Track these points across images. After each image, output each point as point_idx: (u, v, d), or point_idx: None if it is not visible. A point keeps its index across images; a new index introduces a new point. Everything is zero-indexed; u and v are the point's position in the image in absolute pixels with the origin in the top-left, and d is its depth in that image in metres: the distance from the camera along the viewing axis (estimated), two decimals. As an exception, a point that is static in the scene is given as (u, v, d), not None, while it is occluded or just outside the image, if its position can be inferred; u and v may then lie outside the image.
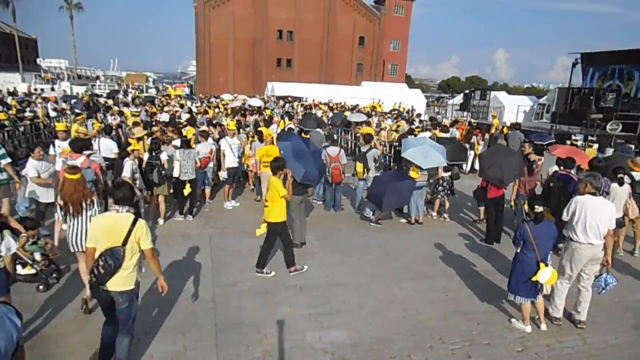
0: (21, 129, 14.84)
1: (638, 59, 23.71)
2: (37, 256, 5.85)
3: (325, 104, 28.10)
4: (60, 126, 9.86)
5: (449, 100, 45.75)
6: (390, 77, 59.36)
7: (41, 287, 5.69)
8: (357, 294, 5.92)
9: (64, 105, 21.77)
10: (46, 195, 7.18)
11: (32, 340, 4.57)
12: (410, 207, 9.10)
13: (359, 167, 9.76)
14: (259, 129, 10.92)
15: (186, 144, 8.94)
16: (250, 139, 11.24)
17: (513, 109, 31.97)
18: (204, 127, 11.40)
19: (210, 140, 10.02)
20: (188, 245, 7.35)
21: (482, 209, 9.34)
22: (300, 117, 17.45)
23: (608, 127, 18.16)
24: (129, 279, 3.93)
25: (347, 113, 18.89)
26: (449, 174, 9.31)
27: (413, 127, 14.16)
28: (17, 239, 5.23)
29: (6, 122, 14.05)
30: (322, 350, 4.62)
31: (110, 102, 22.50)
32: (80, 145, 7.48)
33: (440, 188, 9.37)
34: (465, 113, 29.70)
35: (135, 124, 10.86)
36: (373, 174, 9.61)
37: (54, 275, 5.91)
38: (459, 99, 42.27)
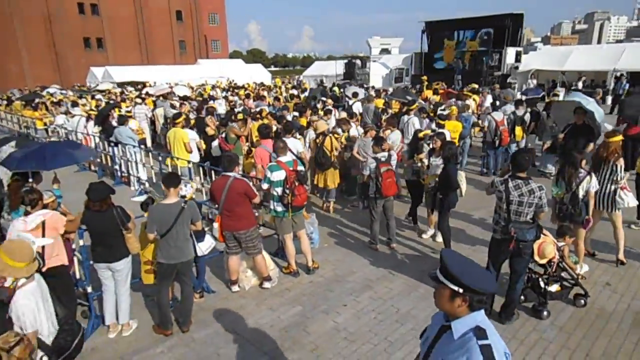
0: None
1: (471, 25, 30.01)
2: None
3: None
4: None
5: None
6: (215, 54, 56.81)
7: (582, 301, 4.86)
8: None
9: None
10: None
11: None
12: None
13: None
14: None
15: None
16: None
17: (379, 74, 36.61)
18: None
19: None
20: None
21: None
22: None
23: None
24: None
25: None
26: None
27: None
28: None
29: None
30: None
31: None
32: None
33: None
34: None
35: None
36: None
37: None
38: (311, 70, 44.58)
